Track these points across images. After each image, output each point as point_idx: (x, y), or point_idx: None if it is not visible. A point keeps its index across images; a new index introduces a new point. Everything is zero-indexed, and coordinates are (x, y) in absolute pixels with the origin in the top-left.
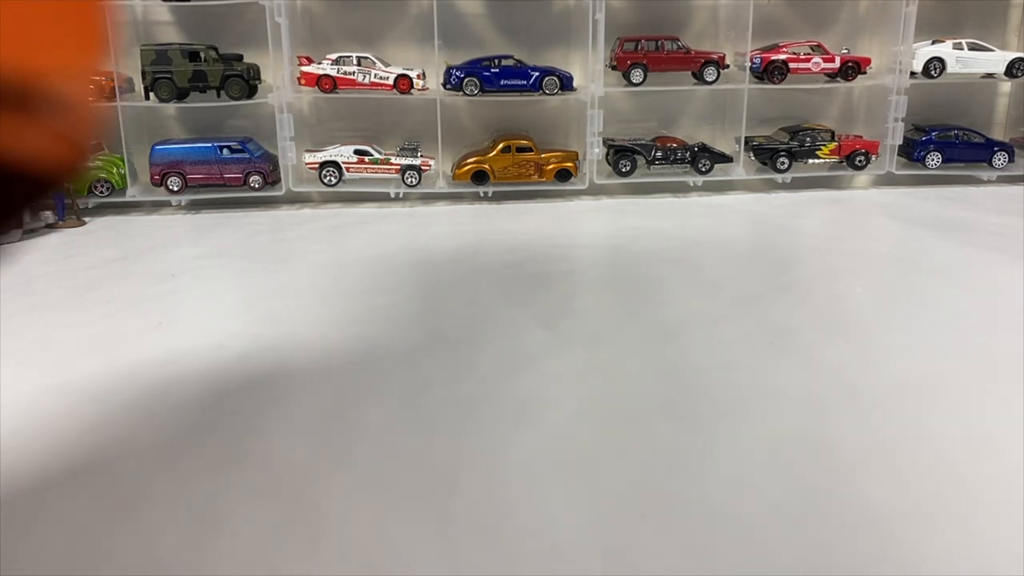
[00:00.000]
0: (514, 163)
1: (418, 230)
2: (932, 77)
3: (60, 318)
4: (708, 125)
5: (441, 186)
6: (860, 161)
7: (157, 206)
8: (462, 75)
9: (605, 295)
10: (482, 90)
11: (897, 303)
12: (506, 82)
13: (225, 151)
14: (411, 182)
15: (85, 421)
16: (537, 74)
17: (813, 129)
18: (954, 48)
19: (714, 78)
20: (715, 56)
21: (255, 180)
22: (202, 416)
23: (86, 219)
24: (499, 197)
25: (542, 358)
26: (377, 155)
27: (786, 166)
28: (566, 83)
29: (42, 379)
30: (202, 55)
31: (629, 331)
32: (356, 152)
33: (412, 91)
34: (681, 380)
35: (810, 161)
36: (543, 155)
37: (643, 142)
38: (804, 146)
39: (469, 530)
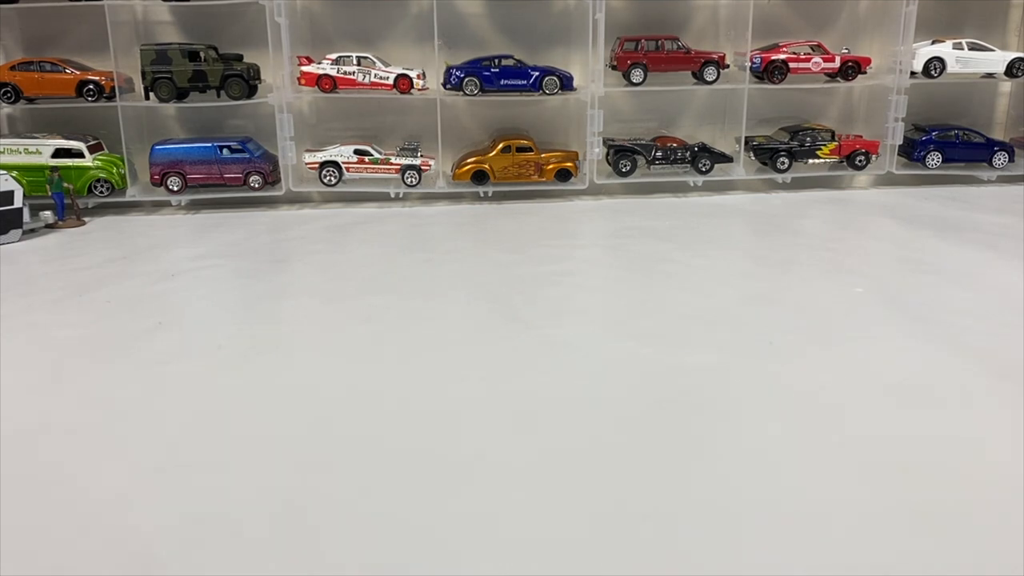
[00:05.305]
0: (514, 163)
1: (418, 230)
2: (932, 77)
3: (60, 318)
4: (708, 125)
5: (441, 186)
6: (860, 161)
7: (157, 206)
8: (462, 75)
9: (604, 295)
10: (482, 90)
11: (897, 303)
12: (506, 82)
13: (225, 151)
14: (411, 182)
15: (85, 422)
16: (537, 74)
17: (813, 129)
18: (954, 48)
19: (714, 78)
20: (715, 56)
21: (255, 180)
22: (201, 416)
23: (86, 219)
24: (499, 197)
25: (541, 358)
26: (377, 155)
27: (786, 166)
28: (566, 83)
29: (42, 379)
30: (202, 55)
31: (628, 331)
32: (356, 152)
33: (412, 91)
34: (681, 380)
35: (810, 161)
36: (543, 155)
37: (643, 142)
38: (804, 146)
39: (467, 531)
